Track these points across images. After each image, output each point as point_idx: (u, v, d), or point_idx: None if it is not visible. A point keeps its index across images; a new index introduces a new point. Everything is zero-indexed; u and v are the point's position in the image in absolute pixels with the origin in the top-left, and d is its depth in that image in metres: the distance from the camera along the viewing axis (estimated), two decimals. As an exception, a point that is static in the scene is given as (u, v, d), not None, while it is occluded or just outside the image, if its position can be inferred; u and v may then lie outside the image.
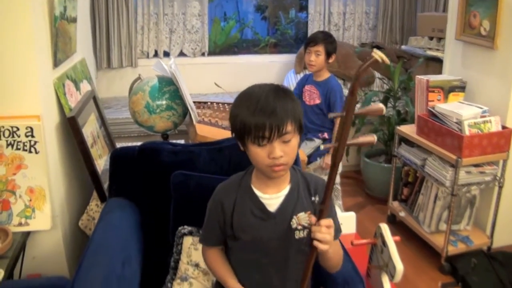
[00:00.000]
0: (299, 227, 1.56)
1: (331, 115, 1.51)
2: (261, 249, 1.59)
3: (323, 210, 1.45)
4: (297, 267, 1.59)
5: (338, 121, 3.40)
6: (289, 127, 1.43)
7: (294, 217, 1.56)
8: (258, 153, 1.47)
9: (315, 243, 1.44)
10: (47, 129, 2.27)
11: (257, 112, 1.41)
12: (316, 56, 3.31)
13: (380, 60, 1.22)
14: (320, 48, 3.29)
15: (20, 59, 2.14)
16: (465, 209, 3.25)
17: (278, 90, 1.47)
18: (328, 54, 3.31)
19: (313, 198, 1.61)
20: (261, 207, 1.58)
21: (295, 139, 1.48)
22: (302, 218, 1.55)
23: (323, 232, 1.44)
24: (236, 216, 1.60)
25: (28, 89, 2.19)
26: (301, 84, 3.64)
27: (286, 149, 1.45)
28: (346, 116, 1.31)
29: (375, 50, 1.26)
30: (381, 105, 1.34)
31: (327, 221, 1.45)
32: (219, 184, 1.70)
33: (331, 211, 1.63)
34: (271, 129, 1.41)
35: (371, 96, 4.01)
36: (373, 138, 1.37)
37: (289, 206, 1.57)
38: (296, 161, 2.07)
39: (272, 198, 1.59)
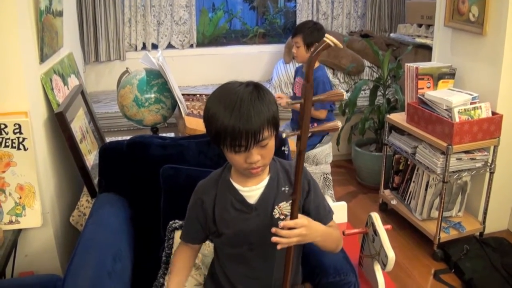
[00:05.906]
0: (282, 216, 1.55)
1: (289, 102, 1.49)
2: (245, 242, 1.59)
3: (294, 200, 1.43)
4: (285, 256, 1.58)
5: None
6: (266, 133, 1.40)
7: (276, 207, 1.56)
8: (234, 158, 1.45)
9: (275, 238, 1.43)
10: (35, 126, 2.25)
11: (233, 120, 1.36)
12: (297, 48, 3.29)
13: (332, 44, 1.21)
14: (298, 39, 3.27)
15: (6, 55, 2.11)
16: (457, 195, 3.26)
17: (252, 93, 1.41)
18: (308, 45, 3.24)
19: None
20: (241, 199, 1.58)
21: (272, 141, 1.46)
22: (284, 207, 1.55)
23: (282, 234, 1.42)
24: (218, 211, 1.60)
25: (15, 85, 2.16)
26: (294, 76, 3.64)
27: (263, 152, 1.45)
28: (305, 103, 1.30)
29: (326, 35, 1.24)
30: (340, 90, 1.34)
31: (291, 223, 1.43)
32: (199, 182, 1.69)
33: (317, 196, 1.63)
34: (248, 138, 1.37)
35: (360, 85, 4.00)
36: (337, 123, 1.37)
37: (270, 197, 1.57)
38: (287, 156, 2.08)
39: (252, 190, 1.58)
